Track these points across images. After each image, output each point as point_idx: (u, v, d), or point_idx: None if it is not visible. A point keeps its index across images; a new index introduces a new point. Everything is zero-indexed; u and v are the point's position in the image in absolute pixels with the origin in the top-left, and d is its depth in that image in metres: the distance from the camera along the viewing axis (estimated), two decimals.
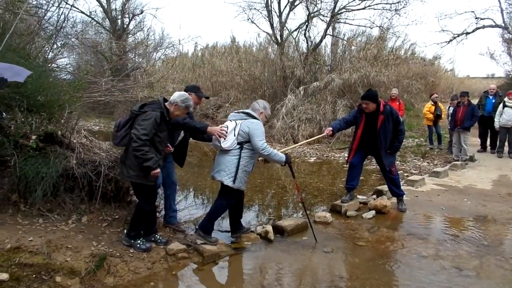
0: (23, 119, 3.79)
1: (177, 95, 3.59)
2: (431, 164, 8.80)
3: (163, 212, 4.47)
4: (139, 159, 3.38)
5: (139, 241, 3.64)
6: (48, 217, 3.68)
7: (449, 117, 9.18)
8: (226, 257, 3.77)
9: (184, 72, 17.13)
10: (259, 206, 5.95)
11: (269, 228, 4.32)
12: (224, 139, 3.78)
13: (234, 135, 3.81)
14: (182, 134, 4.15)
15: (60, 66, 6.16)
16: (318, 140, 10.75)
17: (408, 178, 6.92)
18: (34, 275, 3.04)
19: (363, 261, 3.80)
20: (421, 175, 7.46)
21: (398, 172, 7.61)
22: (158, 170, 3.52)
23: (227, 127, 3.87)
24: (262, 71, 14.77)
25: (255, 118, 3.91)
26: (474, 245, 4.13)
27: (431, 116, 9.98)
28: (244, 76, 14.78)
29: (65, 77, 5.99)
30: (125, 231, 3.79)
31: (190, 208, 5.38)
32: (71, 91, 4.34)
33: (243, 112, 4.01)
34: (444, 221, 4.94)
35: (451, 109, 9.06)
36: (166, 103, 3.59)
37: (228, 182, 3.79)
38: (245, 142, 3.82)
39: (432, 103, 10.11)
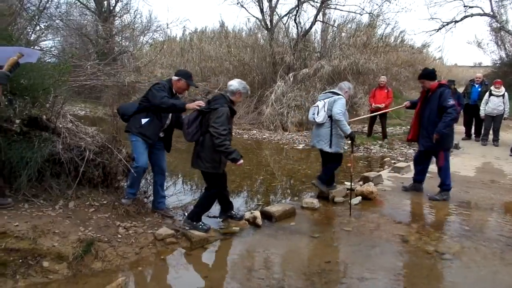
0: (6, 103, 3.69)
1: (237, 84, 3.85)
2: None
3: (151, 198, 4.47)
4: (224, 153, 3.66)
5: (201, 223, 3.93)
6: (33, 202, 3.63)
7: None
8: (214, 242, 3.81)
9: (172, 57, 16.84)
10: (248, 192, 5.98)
11: (257, 213, 4.36)
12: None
13: (325, 111, 4.77)
14: (169, 118, 4.12)
15: (44, 49, 6.01)
16: (307, 127, 10.87)
17: (395, 165, 7.03)
18: (20, 260, 3.04)
19: (348, 246, 3.88)
20: (407, 162, 7.58)
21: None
22: (242, 161, 3.72)
23: (318, 106, 4.85)
24: (251, 57, 14.60)
25: (340, 95, 4.80)
26: (456, 230, 4.25)
27: None
28: (233, 61, 14.60)
29: (49, 60, 5.84)
30: (185, 214, 4.14)
31: (178, 194, 5.37)
32: (56, 74, 4.24)
33: (330, 92, 4.97)
34: (428, 207, 5.05)
35: None
36: (228, 94, 3.76)
37: (327, 148, 4.84)
38: None
39: None
